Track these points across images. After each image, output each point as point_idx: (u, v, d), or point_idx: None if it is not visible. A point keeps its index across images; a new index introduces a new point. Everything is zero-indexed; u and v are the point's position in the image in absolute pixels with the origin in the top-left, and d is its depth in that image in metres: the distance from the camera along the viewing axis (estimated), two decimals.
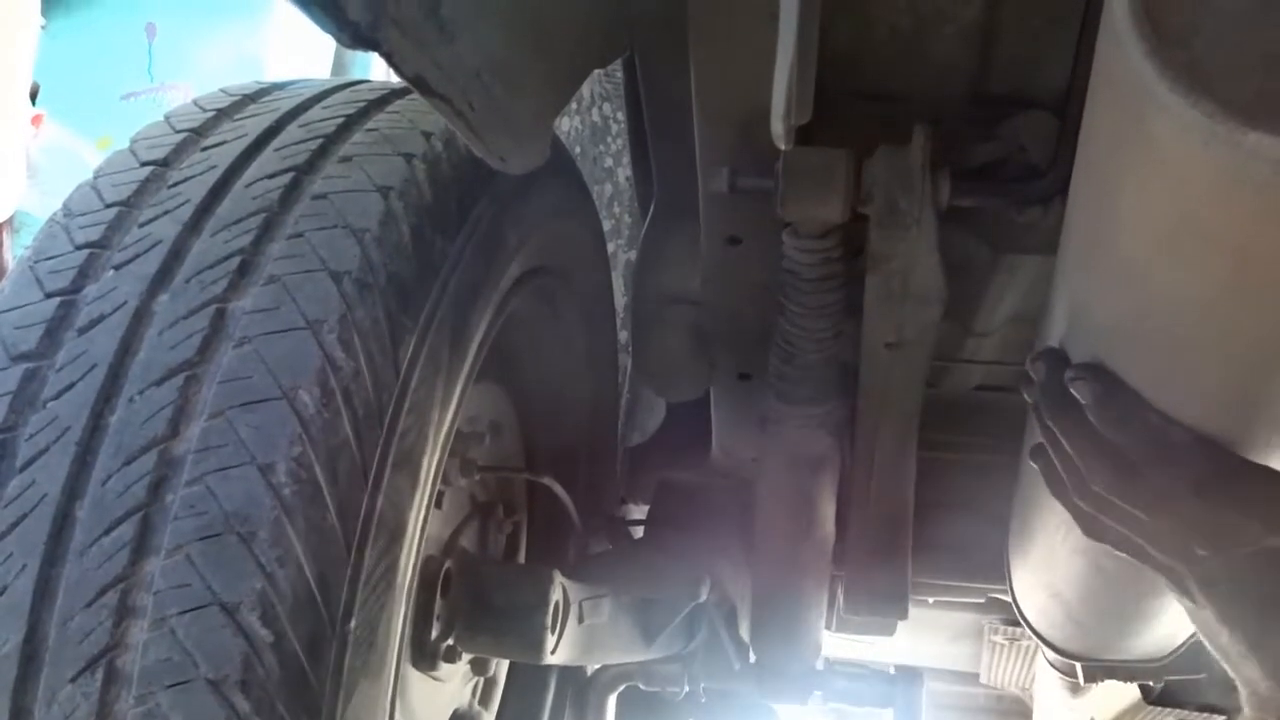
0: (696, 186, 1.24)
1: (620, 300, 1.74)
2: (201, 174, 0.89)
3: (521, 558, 1.46)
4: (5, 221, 3.21)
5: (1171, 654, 1.47)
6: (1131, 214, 0.74)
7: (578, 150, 1.92)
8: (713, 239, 1.30)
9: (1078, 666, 1.56)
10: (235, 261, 0.82)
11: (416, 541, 0.89)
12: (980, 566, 1.69)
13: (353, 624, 0.77)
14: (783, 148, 0.89)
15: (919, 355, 1.30)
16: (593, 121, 1.93)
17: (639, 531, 1.68)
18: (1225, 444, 0.79)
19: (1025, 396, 0.96)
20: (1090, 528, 0.91)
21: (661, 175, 1.55)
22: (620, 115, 1.88)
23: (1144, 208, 0.72)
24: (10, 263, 3.48)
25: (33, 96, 3.24)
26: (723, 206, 1.25)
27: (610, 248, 1.81)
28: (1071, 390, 0.85)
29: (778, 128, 0.85)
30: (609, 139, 1.95)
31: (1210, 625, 0.86)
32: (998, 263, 1.42)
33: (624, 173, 1.91)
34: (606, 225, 1.88)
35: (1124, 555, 0.89)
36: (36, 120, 3.25)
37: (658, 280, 1.57)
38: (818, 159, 1.13)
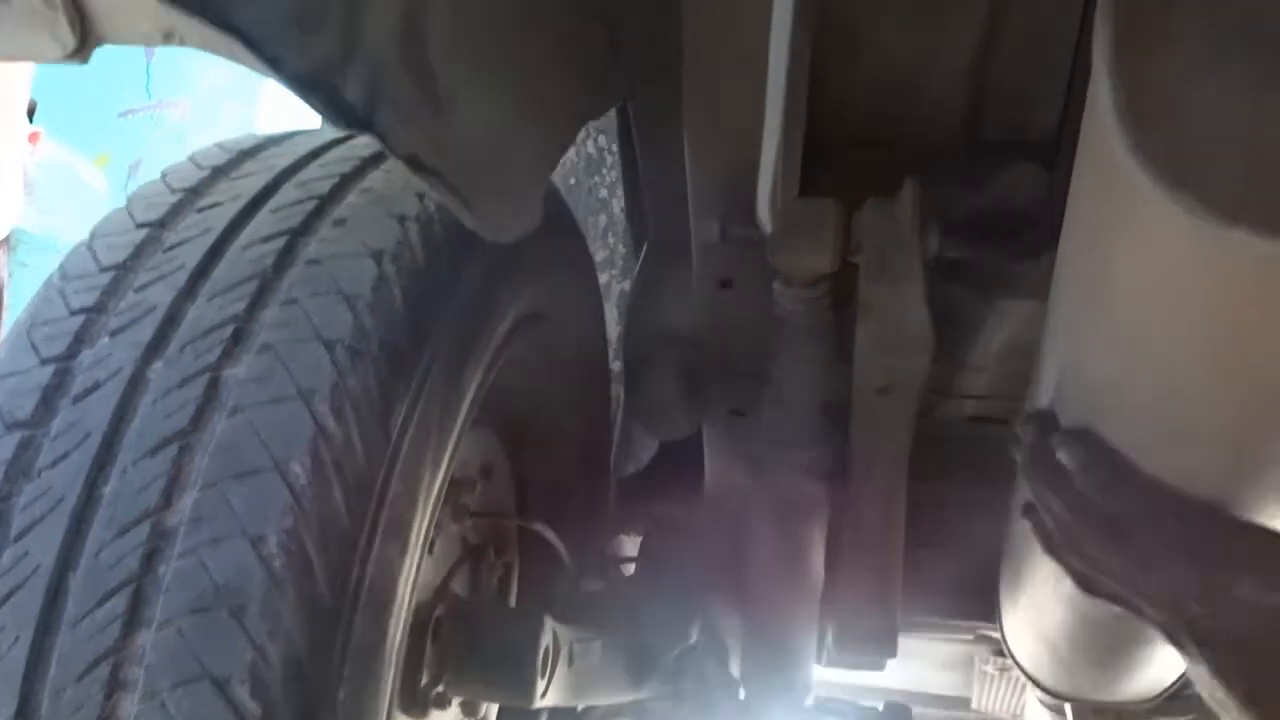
0: (689, 229, 1.25)
1: (613, 329, 1.75)
2: (197, 237, 0.90)
3: (513, 598, 1.46)
4: (2, 239, 3.22)
5: (1160, 695, 1.48)
6: (1118, 285, 0.75)
7: (572, 181, 1.93)
8: (705, 281, 1.31)
9: (1066, 707, 1.57)
10: (229, 329, 0.83)
11: (406, 604, 0.89)
12: (970, 604, 1.70)
13: (341, 694, 0.78)
14: (768, 231, 0.89)
15: (909, 400, 1.31)
16: (588, 153, 1.94)
17: (631, 567, 1.69)
18: (1214, 504, 0.80)
19: (1014, 457, 0.97)
20: (1085, 584, 0.92)
21: (654, 214, 1.56)
22: (615, 147, 1.89)
23: (1130, 281, 0.73)
24: (6, 278, 3.48)
25: (30, 114, 3.25)
26: (714, 252, 1.26)
27: (604, 278, 1.82)
28: (1058, 455, 0.86)
29: (764, 211, 0.86)
30: (604, 170, 1.95)
31: (1204, 678, 0.87)
32: (989, 306, 1.43)
33: (618, 204, 1.92)
34: (601, 255, 1.88)
35: (1118, 609, 0.90)
36: (34, 138, 3.25)
37: (651, 319, 1.58)
38: (808, 210, 1.14)
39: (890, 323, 1.20)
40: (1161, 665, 1.34)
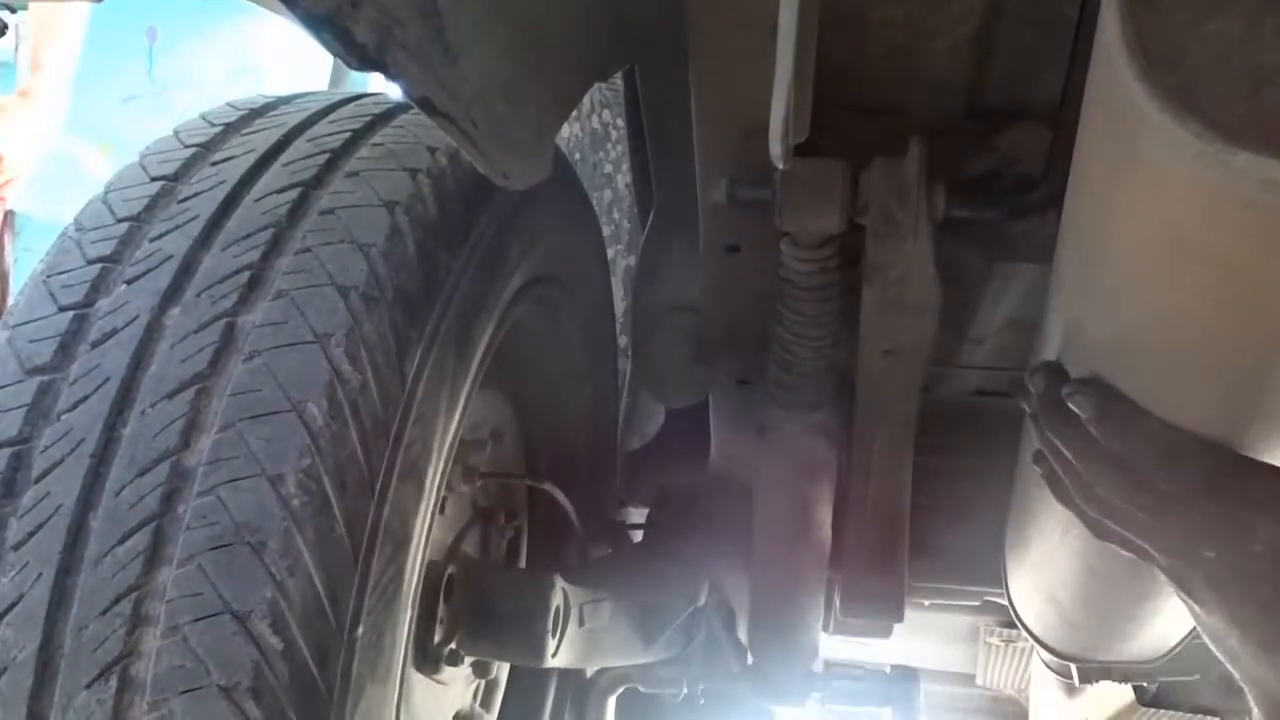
0: (695, 195, 1.26)
1: (620, 305, 1.76)
2: (211, 189, 0.91)
3: (523, 562, 1.47)
4: (5, 224, 3.22)
5: (1166, 655, 1.49)
6: (1124, 230, 0.76)
7: (578, 157, 1.94)
8: (712, 247, 1.32)
9: (1073, 668, 1.58)
10: (245, 276, 0.84)
11: (421, 549, 0.91)
12: (976, 570, 1.71)
13: (360, 631, 0.79)
14: (780, 168, 0.90)
15: (915, 363, 1.31)
16: (593, 128, 1.95)
17: (639, 535, 1.70)
18: (1229, 446, 0.80)
19: (1024, 408, 0.98)
20: (1097, 531, 0.92)
21: (661, 183, 1.57)
22: (620, 122, 1.90)
23: (1136, 224, 0.73)
24: (10, 264, 3.49)
25: None
26: (721, 216, 1.27)
27: (610, 253, 1.82)
28: (1070, 404, 0.86)
29: (775, 149, 0.86)
30: (609, 145, 1.96)
31: (1217, 627, 0.87)
32: (993, 271, 1.44)
33: (623, 179, 1.93)
34: (606, 231, 1.89)
35: (1129, 557, 0.90)
36: None
37: (657, 287, 1.58)
38: (815, 171, 1.15)
39: (896, 283, 1.21)
40: (1167, 623, 1.35)
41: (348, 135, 0.97)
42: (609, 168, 1.97)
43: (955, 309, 1.40)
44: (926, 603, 1.92)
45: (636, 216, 1.88)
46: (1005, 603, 1.62)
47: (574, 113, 1.94)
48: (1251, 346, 0.72)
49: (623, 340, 1.74)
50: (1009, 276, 1.46)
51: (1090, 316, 0.88)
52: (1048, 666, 1.75)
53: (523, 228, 1.09)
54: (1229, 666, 0.89)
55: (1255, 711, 0.88)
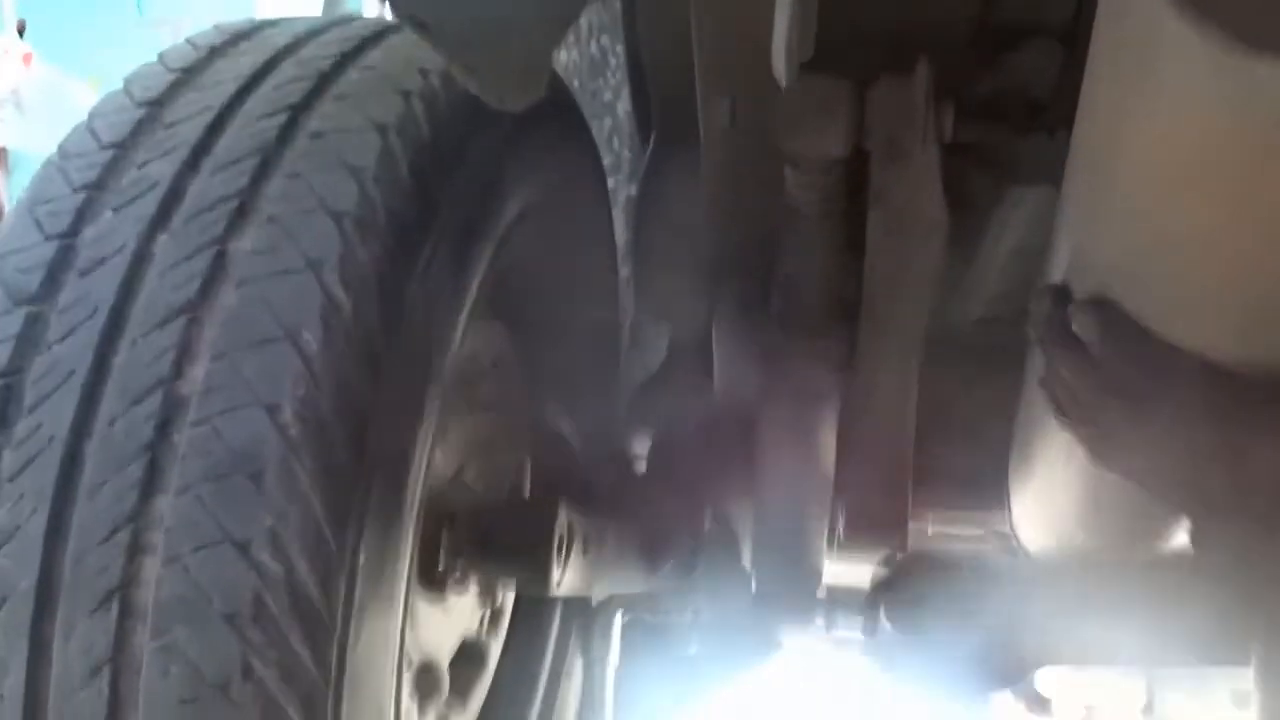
0: (696, 119, 1.23)
1: (620, 236, 1.73)
2: (197, 114, 0.89)
3: (526, 492, 1.47)
4: None
5: None
6: (1137, 148, 0.73)
7: (576, 84, 1.89)
8: (713, 174, 1.30)
9: None
10: (234, 202, 0.82)
11: (421, 476, 0.90)
12: (979, 496, 1.71)
13: (361, 558, 0.79)
14: (784, 84, 0.88)
15: (920, 289, 1.30)
16: (591, 55, 1.90)
17: (642, 464, 1.70)
18: (1235, 369, 0.79)
19: (1029, 332, 0.96)
20: (1096, 453, 0.92)
21: (661, 108, 1.54)
22: (619, 48, 1.85)
23: (1151, 141, 0.71)
24: (6, 201, 3.46)
25: (20, 33, 3.19)
26: (723, 141, 1.24)
27: (610, 183, 1.79)
28: (1074, 326, 0.85)
29: (779, 65, 0.84)
30: (608, 73, 1.92)
31: (1218, 549, 0.87)
32: (1000, 195, 1.41)
33: (623, 106, 1.88)
34: (606, 160, 1.86)
35: (1130, 480, 0.90)
36: (26, 58, 3.20)
37: (659, 214, 1.56)
38: (820, 92, 1.12)
39: (902, 207, 1.19)
40: (1169, 548, 1.36)
41: (336, 57, 0.94)
42: (608, 95, 1.92)
43: (962, 234, 1.38)
44: (930, 532, 1.92)
45: (637, 145, 1.84)
46: (1008, 530, 1.63)
47: (571, 39, 1.90)
48: (1267, 268, 0.71)
49: (624, 271, 1.72)
50: (1017, 200, 1.43)
51: (1099, 239, 0.86)
52: None
53: (519, 153, 1.07)
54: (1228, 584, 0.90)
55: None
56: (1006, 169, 1.33)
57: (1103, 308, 0.84)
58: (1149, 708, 2.59)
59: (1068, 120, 0.94)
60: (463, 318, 0.97)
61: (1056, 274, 0.98)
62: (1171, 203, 0.71)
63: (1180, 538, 1.27)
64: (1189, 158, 0.67)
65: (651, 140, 1.63)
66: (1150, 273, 0.79)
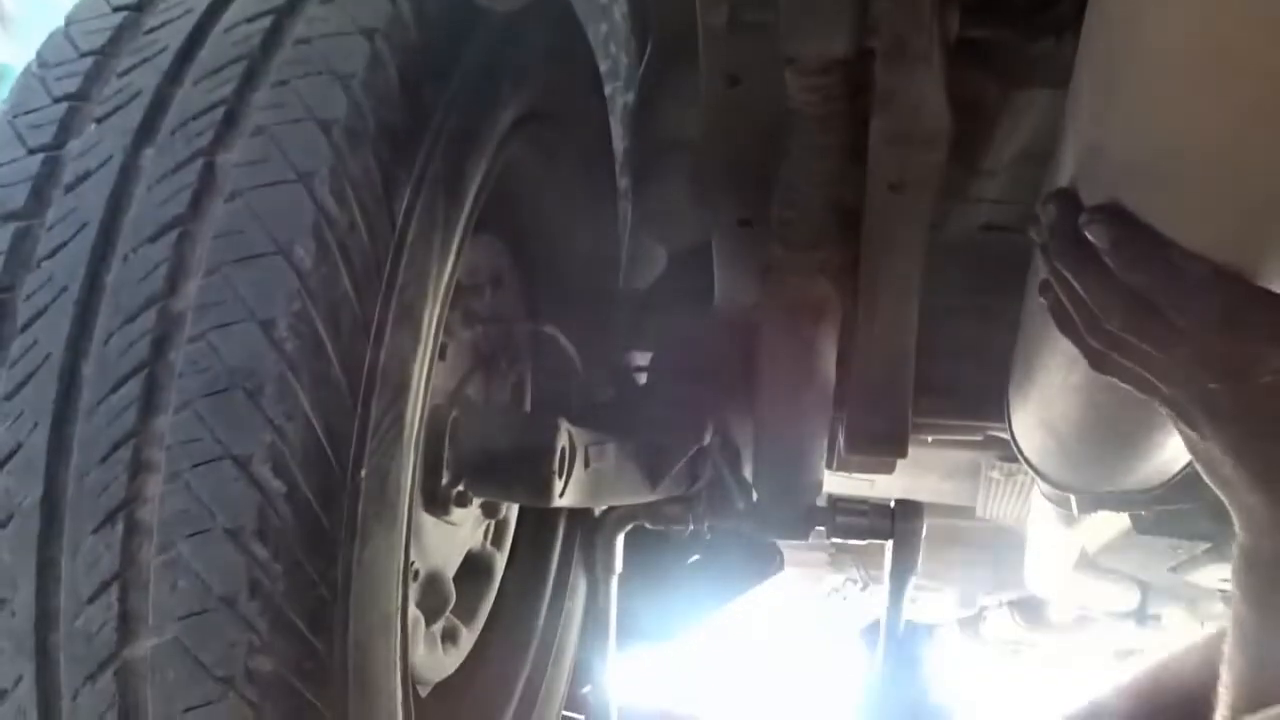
0: (694, 23, 1.19)
1: (619, 145, 1.70)
2: (178, 19, 0.85)
3: (527, 406, 1.48)
4: None
5: (1164, 485, 1.51)
6: (1151, 43, 0.71)
7: None
8: (712, 79, 1.26)
9: (1072, 499, 1.61)
10: (220, 112, 0.80)
11: (422, 392, 0.90)
12: (980, 407, 1.72)
13: (364, 473, 0.79)
14: None
15: (923, 197, 1.27)
16: None
17: (643, 378, 1.70)
18: (1249, 278, 0.78)
19: (1033, 237, 0.95)
20: (1099, 364, 0.91)
21: (658, 12, 1.49)
22: None
23: (1164, 34, 0.69)
24: None
25: None
26: (722, 44, 1.20)
27: (607, 89, 1.75)
28: (1086, 233, 0.83)
29: None
30: None
31: (1213, 456, 0.87)
32: (1006, 99, 1.38)
33: (620, 9, 1.83)
34: (603, 66, 1.81)
35: (1130, 389, 0.90)
36: None
37: (656, 125, 1.53)
38: None
39: (906, 111, 1.16)
40: (1166, 455, 1.36)
41: None
42: None
43: (966, 140, 1.35)
44: (929, 439, 1.94)
45: (634, 50, 1.79)
46: (1008, 437, 1.64)
47: None
48: None
49: (623, 181, 1.69)
50: (1023, 106, 1.40)
51: (1109, 141, 0.84)
52: (1047, 498, 1.79)
53: (513, 59, 1.04)
54: (1220, 494, 0.90)
55: (1240, 535, 0.90)
56: (1014, 70, 1.29)
57: (1115, 212, 0.83)
58: (1141, 614, 2.65)
59: (1078, 16, 0.91)
60: (459, 230, 0.95)
61: (1064, 180, 0.95)
62: (1189, 100, 0.69)
63: (1175, 440, 1.28)
64: (1209, 49, 0.65)
65: (649, 45, 1.58)
66: (1165, 176, 0.77)
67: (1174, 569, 2.17)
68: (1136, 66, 0.73)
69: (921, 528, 1.67)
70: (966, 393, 1.71)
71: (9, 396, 0.75)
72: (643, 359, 1.75)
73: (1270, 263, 0.78)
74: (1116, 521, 1.98)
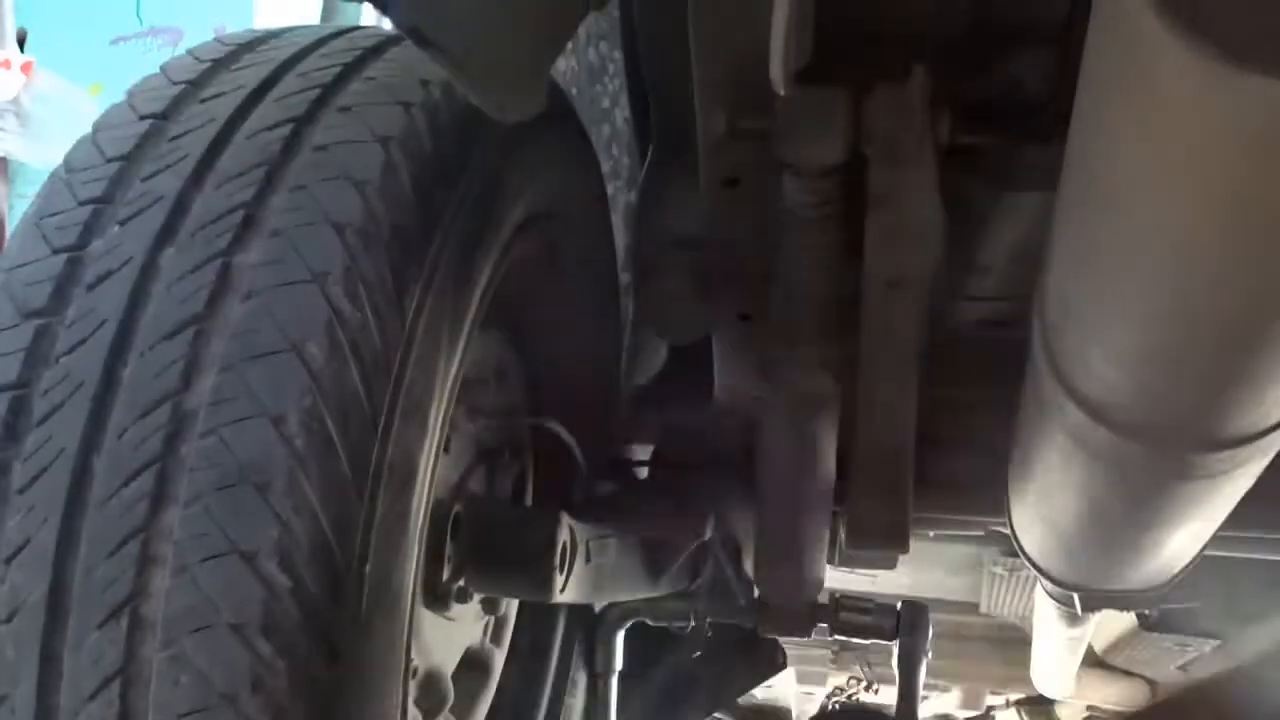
0: (695, 127, 1.24)
1: (620, 242, 1.74)
2: (201, 126, 0.89)
3: (528, 500, 1.48)
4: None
5: (1168, 583, 1.50)
6: (1130, 155, 0.74)
7: (574, 91, 1.90)
8: (712, 180, 1.30)
9: (1075, 597, 1.60)
10: (239, 215, 0.83)
11: (427, 487, 0.91)
12: (980, 501, 1.72)
13: (368, 568, 0.79)
14: (781, 94, 0.88)
15: (919, 293, 1.30)
16: (589, 62, 1.91)
17: (643, 472, 1.71)
18: (1218, 385, 0.80)
19: (1029, 338, 0.97)
20: None
21: (659, 117, 1.54)
22: (617, 54, 1.86)
23: (1143, 149, 0.72)
24: (5, 211, 3.46)
25: (20, 43, 3.20)
26: (721, 148, 1.25)
27: (610, 189, 1.80)
28: None
29: (776, 73, 0.84)
30: (606, 79, 1.92)
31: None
32: (998, 200, 1.42)
33: (622, 113, 1.89)
34: (605, 166, 1.86)
35: (1132, 489, 0.90)
36: (26, 68, 3.21)
37: (658, 222, 1.56)
38: (817, 99, 1.12)
39: (901, 212, 1.19)
40: (1169, 553, 1.36)
41: (339, 69, 0.95)
42: (606, 102, 1.93)
43: (960, 239, 1.39)
44: (931, 534, 1.93)
45: (636, 151, 1.85)
46: (1008, 532, 1.63)
47: (569, 46, 1.90)
48: (1259, 275, 0.71)
49: (624, 277, 1.72)
50: (1015, 205, 1.44)
51: (1093, 245, 0.87)
52: (1050, 596, 1.77)
53: (520, 162, 1.08)
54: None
55: None
56: (1004, 174, 1.33)
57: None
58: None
59: (1064, 124, 0.95)
60: (466, 328, 0.97)
61: (1051, 281, 0.98)
62: (1164, 210, 0.72)
63: (1176, 539, 1.28)
64: (1181, 165, 0.68)
65: (650, 147, 1.63)
66: (1145, 280, 0.80)
67: (1182, 668, 2.14)
68: (1116, 174, 0.76)
69: (928, 627, 1.66)
70: (967, 487, 1.71)
71: (22, 490, 0.75)
72: (644, 453, 1.76)
73: (1249, 367, 0.79)
74: (1123, 619, 1.96)
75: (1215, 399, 0.84)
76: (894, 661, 1.65)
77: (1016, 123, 1.22)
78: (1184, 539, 1.28)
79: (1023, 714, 3.41)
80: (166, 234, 0.83)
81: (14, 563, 0.74)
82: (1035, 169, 1.25)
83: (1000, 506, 1.63)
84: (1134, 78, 0.67)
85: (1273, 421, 0.89)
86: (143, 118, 0.91)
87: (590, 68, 1.92)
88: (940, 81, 1.16)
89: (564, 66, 1.92)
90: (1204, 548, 1.34)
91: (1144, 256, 0.78)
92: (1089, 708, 2.99)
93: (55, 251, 0.83)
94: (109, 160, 0.88)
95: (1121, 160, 0.75)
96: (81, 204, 0.85)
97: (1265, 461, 0.99)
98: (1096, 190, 0.83)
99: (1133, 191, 0.75)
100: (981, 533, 1.88)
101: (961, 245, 1.45)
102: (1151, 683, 2.50)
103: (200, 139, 0.88)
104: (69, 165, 0.90)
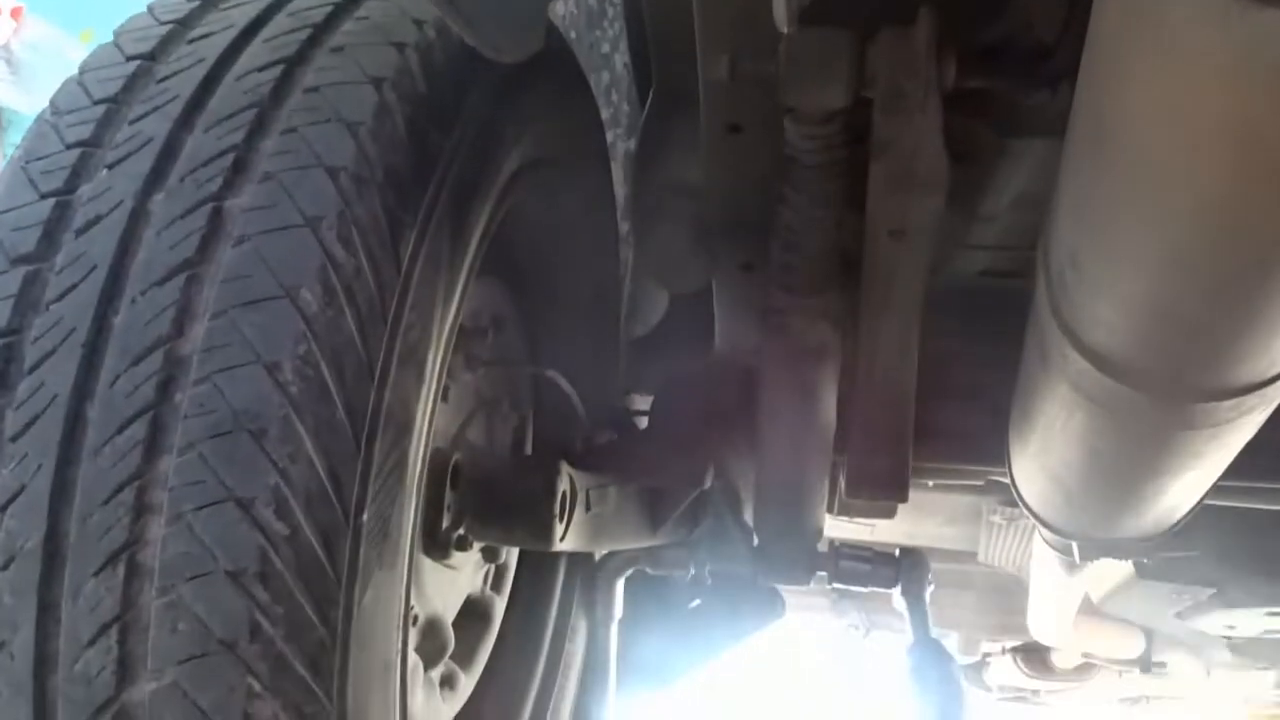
0: (696, 73, 1.21)
1: (620, 191, 1.72)
2: (190, 68, 0.87)
3: (528, 449, 1.48)
4: None
5: (1166, 531, 1.51)
6: (1142, 100, 0.72)
7: (573, 35, 1.86)
8: (713, 127, 1.28)
9: (1074, 546, 1.60)
10: (229, 158, 0.81)
11: (425, 435, 0.90)
12: (981, 452, 1.72)
13: (365, 516, 0.79)
14: (785, 31, 0.86)
15: (922, 242, 1.29)
16: (588, 5, 1.87)
17: (643, 421, 1.70)
18: (1225, 332, 0.79)
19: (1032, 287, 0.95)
20: None
21: (660, 62, 1.51)
22: None
23: (1155, 93, 0.70)
24: (1, 160, 3.43)
25: None
26: (723, 94, 1.22)
27: (609, 137, 1.78)
28: None
29: (780, 11, 0.82)
30: (605, 23, 1.89)
31: None
32: (1003, 147, 1.40)
33: (621, 59, 1.86)
34: (605, 114, 1.83)
35: (1132, 438, 0.89)
36: (16, 13, 3.16)
37: (658, 171, 1.54)
38: (820, 42, 1.10)
39: (904, 159, 1.17)
40: (1169, 502, 1.36)
41: (330, 8, 0.93)
42: (606, 47, 1.90)
43: (964, 187, 1.37)
44: (930, 483, 1.93)
45: (635, 98, 1.82)
46: (1008, 482, 1.63)
47: None
48: (1272, 221, 0.70)
49: (624, 226, 1.70)
50: (1020, 152, 1.42)
51: (1101, 191, 0.85)
52: (1049, 545, 1.78)
53: (516, 106, 1.06)
54: None
55: None
56: (1010, 120, 1.31)
57: None
58: (1146, 660, 2.63)
59: (1073, 69, 0.93)
60: (464, 275, 0.96)
61: (1056, 227, 0.97)
62: (1173, 155, 0.70)
63: (1177, 488, 1.27)
64: (1195, 109, 0.66)
65: (650, 93, 1.61)
66: (1153, 230, 0.78)
67: (1179, 615, 2.16)
68: (1127, 121, 0.75)
69: (927, 576, 1.66)
70: (967, 437, 1.71)
71: (15, 438, 0.75)
72: (644, 403, 1.76)
73: (1252, 318, 0.79)
74: (1120, 567, 1.97)
75: (1222, 347, 0.83)
76: (893, 604, 1.66)
77: (1024, 66, 1.20)
78: (1185, 488, 1.28)
79: (1018, 661, 3.45)
80: (156, 178, 0.82)
81: (9, 510, 0.74)
82: (1043, 114, 1.23)
83: (1001, 456, 1.63)
84: (1147, 18, 0.65)
85: (1278, 369, 0.88)
86: (130, 58, 0.89)
87: (589, 11, 1.88)
88: (947, 23, 1.13)
89: (563, 10, 1.88)
90: (1204, 497, 1.34)
91: (1153, 202, 0.76)
92: (1084, 654, 3.03)
93: (43, 196, 0.82)
94: (96, 102, 0.86)
95: (1132, 102, 0.73)
96: (69, 147, 0.84)
97: (1269, 410, 0.98)
98: (1106, 134, 0.82)
99: (1143, 134, 0.73)
100: (981, 483, 1.88)
101: (965, 192, 1.44)
102: (1148, 631, 2.53)
103: (189, 80, 0.86)
104: (55, 107, 0.88)
